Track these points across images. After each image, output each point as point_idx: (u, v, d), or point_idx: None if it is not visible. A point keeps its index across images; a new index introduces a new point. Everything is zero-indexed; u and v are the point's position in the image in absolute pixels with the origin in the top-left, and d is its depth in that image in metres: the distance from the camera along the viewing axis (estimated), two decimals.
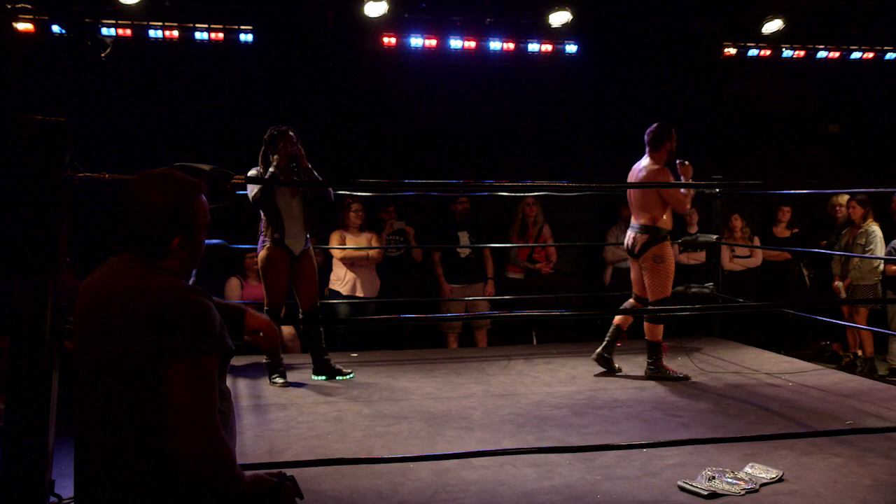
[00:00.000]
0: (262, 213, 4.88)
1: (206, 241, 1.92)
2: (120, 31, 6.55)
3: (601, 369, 5.30)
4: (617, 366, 5.30)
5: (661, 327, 5.16)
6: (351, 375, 5.10)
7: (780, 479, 3.20)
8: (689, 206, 5.18)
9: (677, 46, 7.72)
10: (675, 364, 5.36)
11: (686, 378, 5.08)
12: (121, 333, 1.69)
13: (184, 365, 1.66)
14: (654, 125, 5.11)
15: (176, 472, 1.69)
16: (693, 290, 5.89)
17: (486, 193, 6.95)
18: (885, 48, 8.02)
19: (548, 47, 7.47)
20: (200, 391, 1.67)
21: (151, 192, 1.77)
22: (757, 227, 8.01)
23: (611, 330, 5.28)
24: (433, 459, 3.41)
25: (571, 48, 7.52)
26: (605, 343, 5.28)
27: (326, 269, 6.62)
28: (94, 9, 6.35)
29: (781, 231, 7.74)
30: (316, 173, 4.89)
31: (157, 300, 1.68)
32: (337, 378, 5.05)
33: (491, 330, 7.09)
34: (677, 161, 5.14)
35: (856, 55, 8.02)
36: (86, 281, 1.87)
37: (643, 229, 5.08)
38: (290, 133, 4.79)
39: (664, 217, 5.07)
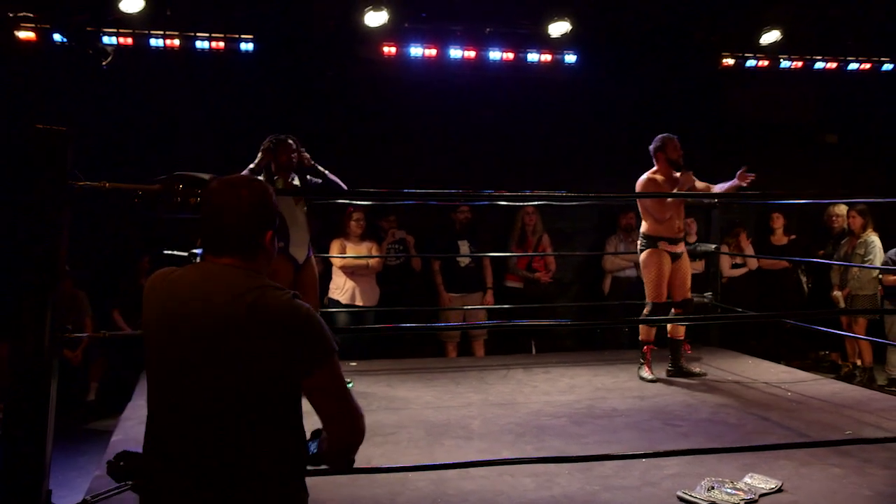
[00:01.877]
0: None
1: None
2: (121, 40, 6.56)
3: (601, 378, 5.35)
4: (696, 369, 5.50)
5: (648, 329, 5.41)
6: (350, 384, 5.05)
7: (780, 490, 3.20)
8: (666, 215, 5.28)
9: (676, 57, 7.74)
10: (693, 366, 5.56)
11: (655, 381, 5.22)
12: (248, 346, 1.75)
13: (325, 369, 1.80)
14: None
15: (288, 467, 1.82)
16: (693, 298, 5.91)
17: (485, 202, 6.96)
18: (882, 59, 8.06)
19: (547, 57, 7.49)
20: (341, 384, 1.83)
21: (242, 193, 1.86)
22: (754, 236, 8.03)
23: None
24: (432, 469, 3.41)
25: (571, 58, 7.54)
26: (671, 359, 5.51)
27: (326, 277, 6.61)
28: (96, 18, 6.37)
29: (779, 238, 7.75)
30: (322, 168, 4.85)
31: (285, 314, 1.77)
32: None
33: (489, 339, 7.09)
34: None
35: (853, 66, 8.05)
36: (171, 280, 1.88)
37: (640, 237, 5.42)
38: (290, 142, 4.75)
39: (656, 225, 5.29)
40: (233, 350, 1.76)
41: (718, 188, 5.35)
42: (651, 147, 5.36)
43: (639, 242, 5.45)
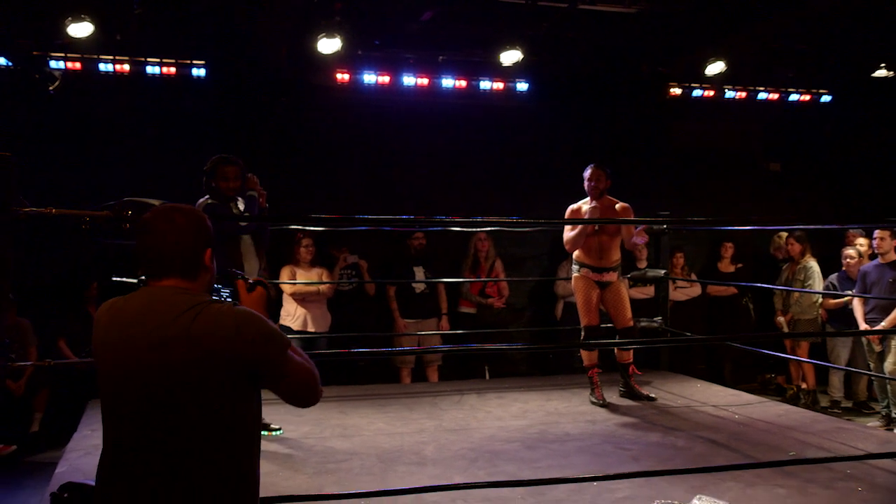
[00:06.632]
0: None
1: None
2: (69, 65, 6.47)
3: (554, 402, 5.39)
4: (646, 392, 5.54)
5: (588, 354, 5.48)
6: (279, 432, 4.63)
7: None
8: (569, 247, 5.39)
9: (625, 86, 7.93)
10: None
11: (605, 405, 5.28)
12: (197, 363, 1.79)
13: (282, 360, 1.87)
14: None
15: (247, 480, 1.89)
16: (642, 323, 6.01)
17: (438, 228, 7.00)
18: (821, 91, 8.38)
19: (499, 85, 7.62)
20: (301, 363, 1.93)
21: (176, 217, 1.91)
22: (702, 263, 8.21)
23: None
24: (384, 495, 3.39)
25: (522, 86, 7.68)
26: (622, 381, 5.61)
27: (277, 304, 6.56)
28: (43, 42, 6.28)
29: (726, 266, 7.95)
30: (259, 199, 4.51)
31: (229, 323, 1.81)
32: (262, 434, 4.54)
33: (443, 365, 7.09)
34: None
35: (794, 97, 8.35)
36: (116, 308, 1.91)
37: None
38: (230, 167, 4.39)
39: (578, 252, 5.41)
40: (182, 369, 1.79)
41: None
42: None
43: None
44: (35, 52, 6.28)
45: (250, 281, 2.04)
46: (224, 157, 4.45)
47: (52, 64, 6.40)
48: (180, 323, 1.80)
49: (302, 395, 1.96)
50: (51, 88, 6.18)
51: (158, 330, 1.81)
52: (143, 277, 1.92)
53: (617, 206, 5.33)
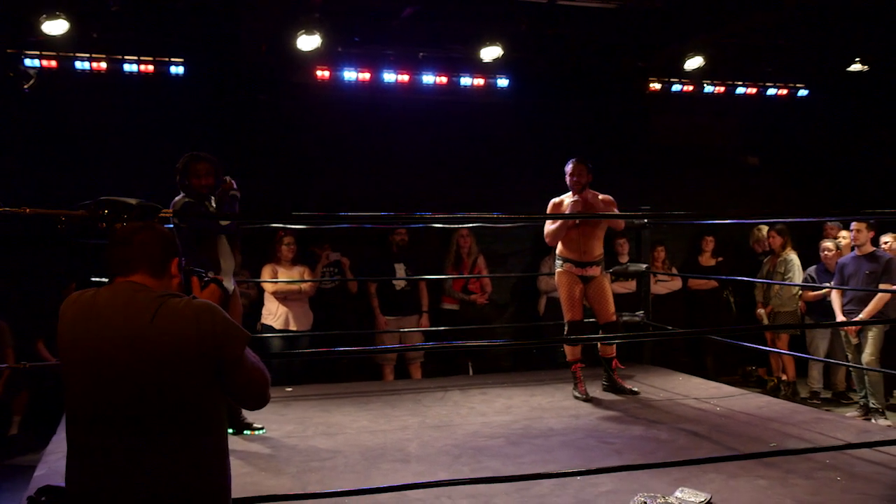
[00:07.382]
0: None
1: None
2: (45, 63, 6.39)
3: (538, 398, 5.40)
4: (629, 386, 5.57)
5: (572, 349, 5.50)
6: (262, 431, 4.61)
7: (709, 502, 3.28)
8: (550, 240, 5.43)
9: (605, 81, 7.96)
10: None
11: (588, 400, 5.29)
12: (161, 356, 1.84)
13: (241, 355, 1.96)
14: None
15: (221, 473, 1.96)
16: (624, 318, 6.04)
17: (420, 225, 6.99)
18: (798, 85, 8.46)
19: (480, 81, 7.62)
20: (255, 364, 2.03)
21: (147, 228, 2.06)
22: (683, 257, 8.26)
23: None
24: (368, 493, 3.37)
25: (503, 82, 7.69)
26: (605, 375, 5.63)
27: (258, 303, 6.53)
28: (17, 39, 6.19)
29: (707, 260, 8.00)
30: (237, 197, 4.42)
31: (189, 317, 1.88)
32: (244, 433, 4.53)
33: (426, 362, 7.08)
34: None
35: (772, 91, 8.43)
36: (81, 303, 1.94)
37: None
38: (202, 164, 4.31)
39: (561, 246, 5.43)
40: (150, 368, 1.82)
41: None
42: None
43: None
44: (9, 50, 6.19)
45: (205, 279, 2.09)
46: (195, 154, 4.38)
47: (27, 62, 6.31)
48: (143, 320, 1.84)
49: (255, 395, 2.03)
50: (25, 87, 6.10)
51: (123, 328, 1.84)
52: (110, 277, 1.96)
53: (599, 197, 5.33)
